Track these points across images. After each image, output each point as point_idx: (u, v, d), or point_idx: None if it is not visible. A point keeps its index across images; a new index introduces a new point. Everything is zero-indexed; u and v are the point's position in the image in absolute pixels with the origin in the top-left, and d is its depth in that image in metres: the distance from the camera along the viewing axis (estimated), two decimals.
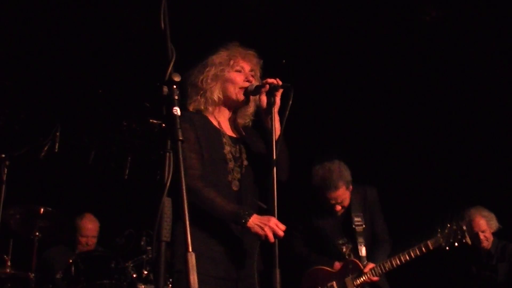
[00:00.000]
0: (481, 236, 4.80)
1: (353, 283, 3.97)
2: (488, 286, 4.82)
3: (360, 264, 3.99)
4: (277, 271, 2.39)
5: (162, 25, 1.99)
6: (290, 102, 2.54)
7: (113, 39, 5.12)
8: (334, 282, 4.03)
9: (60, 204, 4.85)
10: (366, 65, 5.51)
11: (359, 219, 4.10)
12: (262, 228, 2.46)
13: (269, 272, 2.41)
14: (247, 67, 2.80)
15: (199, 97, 2.76)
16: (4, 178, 4.37)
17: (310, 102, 5.27)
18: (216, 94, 2.75)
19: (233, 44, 2.85)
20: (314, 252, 4.22)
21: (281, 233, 2.47)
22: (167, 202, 1.80)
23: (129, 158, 6.35)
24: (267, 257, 2.49)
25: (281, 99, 2.66)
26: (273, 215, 2.49)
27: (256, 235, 2.48)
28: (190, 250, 1.74)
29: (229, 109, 2.83)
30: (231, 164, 2.67)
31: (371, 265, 3.96)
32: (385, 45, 5.27)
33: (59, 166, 5.80)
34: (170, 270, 2.50)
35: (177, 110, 1.88)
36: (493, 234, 4.86)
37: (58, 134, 5.25)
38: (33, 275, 4.39)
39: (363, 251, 4.04)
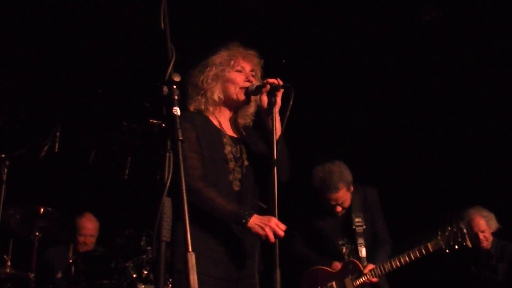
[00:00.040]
0: (481, 236, 4.80)
1: (353, 284, 3.97)
2: (488, 286, 4.82)
3: (360, 265, 3.99)
4: (278, 271, 2.39)
5: (162, 25, 1.99)
6: (291, 102, 2.54)
7: (113, 39, 5.12)
8: (334, 282, 4.03)
9: (60, 204, 4.84)
10: (366, 65, 5.51)
11: (359, 219, 4.10)
12: (263, 228, 2.46)
13: (270, 272, 2.41)
14: (247, 67, 2.80)
15: (199, 97, 2.76)
16: (4, 178, 4.37)
17: (310, 102, 5.27)
18: (217, 94, 2.75)
19: (234, 44, 2.85)
20: (314, 252, 4.22)
21: (281, 233, 2.47)
22: (167, 202, 1.80)
23: (129, 158, 6.35)
24: (267, 257, 2.49)
25: (282, 99, 2.66)
26: (273, 215, 2.49)
27: (257, 235, 2.48)
28: (190, 250, 1.74)
29: (229, 109, 2.82)
30: (231, 164, 2.67)
31: (370, 266, 3.96)
32: (385, 45, 5.27)
33: (59, 166, 5.80)
34: (170, 270, 2.50)
35: (177, 110, 1.88)
36: (493, 234, 4.86)
37: (58, 134, 5.24)
38: (33, 275, 4.39)
39: (363, 251, 4.04)
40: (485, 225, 4.81)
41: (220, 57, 2.80)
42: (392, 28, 5.08)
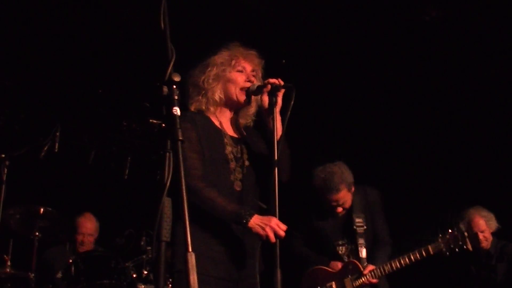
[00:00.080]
0: (480, 236, 4.79)
1: (352, 284, 3.97)
2: (487, 286, 4.81)
3: (359, 265, 3.98)
4: (278, 272, 2.39)
5: (162, 25, 1.98)
6: (292, 103, 2.54)
7: (113, 39, 5.12)
8: (333, 283, 4.03)
9: (60, 204, 4.84)
10: (366, 65, 5.51)
11: (360, 219, 4.09)
12: (263, 228, 2.46)
13: (270, 273, 2.41)
14: (248, 67, 2.80)
15: (200, 97, 2.76)
16: (4, 178, 4.38)
17: (311, 102, 5.26)
18: (218, 94, 2.75)
19: (235, 44, 2.85)
20: (314, 252, 4.22)
21: (282, 233, 2.47)
22: (167, 202, 1.80)
23: (129, 158, 6.35)
24: (267, 257, 2.49)
25: (283, 100, 2.66)
26: (274, 215, 2.49)
27: (257, 235, 2.48)
28: (190, 250, 1.74)
29: (230, 109, 2.82)
30: (232, 164, 2.68)
31: (370, 267, 3.95)
32: (385, 45, 5.27)
33: (59, 166, 5.80)
34: (170, 270, 2.50)
35: (176, 110, 1.88)
36: (492, 234, 4.85)
37: (58, 134, 5.25)
38: (33, 275, 4.39)
39: (363, 252, 4.03)
40: (484, 225, 4.81)
41: (221, 57, 2.80)
42: (392, 28, 5.08)
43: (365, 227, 4.08)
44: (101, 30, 5.01)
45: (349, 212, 4.14)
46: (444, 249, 3.92)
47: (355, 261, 4.02)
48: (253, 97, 2.77)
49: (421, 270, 4.67)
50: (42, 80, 5.52)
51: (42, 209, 4.56)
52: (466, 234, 3.95)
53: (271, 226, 2.45)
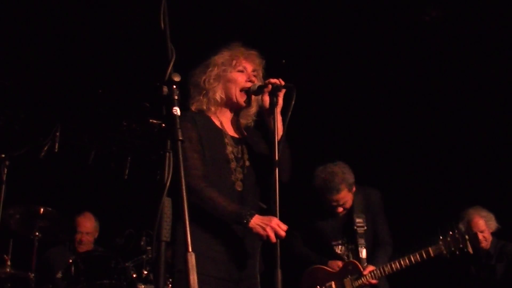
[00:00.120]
0: (480, 236, 4.79)
1: (352, 285, 3.97)
2: (487, 286, 4.81)
3: (359, 266, 3.98)
4: (279, 272, 2.38)
5: (162, 25, 1.99)
6: (293, 103, 2.54)
7: (113, 39, 5.12)
8: (333, 282, 4.03)
9: (60, 204, 4.84)
10: (366, 65, 5.51)
11: (361, 220, 4.09)
12: (264, 229, 2.45)
13: (271, 273, 2.41)
14: (249, 67, 2.80)
15: (201, 97, 2.76)
16: (4, 178, 4.37)
17: (312, 102, 5.27)
18: (219, 94, 2.75)
19: (236, 44, 2.85)
20: (314, 252, 4.22)
21: (283, 233, 2.47)
22: (167, 202, 1.80)
23: (129, 158, 6.36)
24: (268, 257, 2.49)
25: (284, 100, 2.66)
26: (275, 215, 2.49)
27: (258, 235, 2.48)
28: (190, 250, 1.74)
29: (231, 109, 2.82)
30: (233, 165, 2.68)
31: (370, 268, 3.95)
32: (386, 45, 5.27)
33: (59, 166, 5.80)
34: (170, 270, 2.50)
35: (176, 110, 1.88)
36: (492, 234, 4.85)
37: (58, 134, 5.25)
38: (33, 275, 4.38)
39: (363, 253, 4.03)
40: (484, 225, 4.80)
41: (222, 57, 2.80)
42: (392, 28, 5.08)
43: (365, 227, 4.08)
44: (101, 30, 5.01)
45: (350, 212, 4.14)
46: (444, 251, 3.92)
47: (355, 261, 4.02)
48: (254, 97, 2.78)
49: (421, 270, 4.67)
50: (42, 80, 5.52)
51: (42, 209, 4.55)
52: (467, 237, 3.94)
53: (272, 226, 2.45)
